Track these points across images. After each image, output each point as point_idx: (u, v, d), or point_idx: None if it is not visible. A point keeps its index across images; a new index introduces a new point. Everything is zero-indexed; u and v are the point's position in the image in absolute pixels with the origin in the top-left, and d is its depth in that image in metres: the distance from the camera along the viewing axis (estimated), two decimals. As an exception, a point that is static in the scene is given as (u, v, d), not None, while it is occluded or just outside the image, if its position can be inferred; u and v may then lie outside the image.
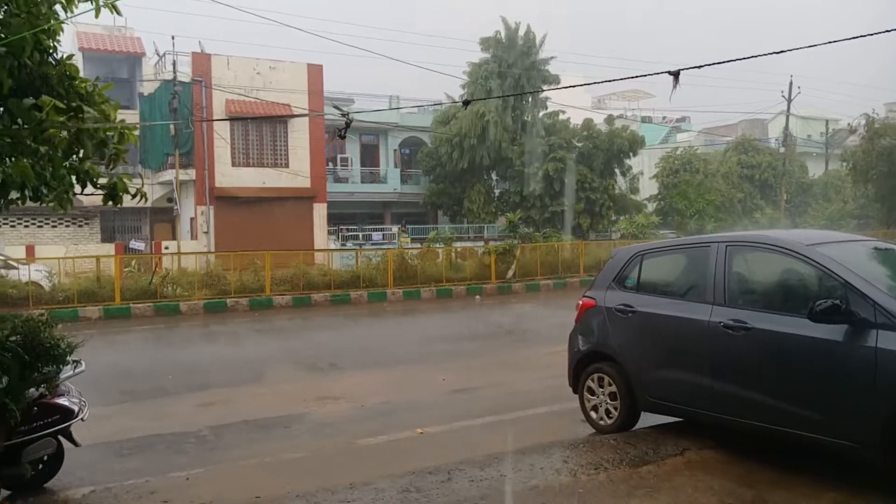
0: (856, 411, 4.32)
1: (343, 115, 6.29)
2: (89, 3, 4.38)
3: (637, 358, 5.84)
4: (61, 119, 4.33)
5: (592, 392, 6.24)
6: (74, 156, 4.86)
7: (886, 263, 5.33)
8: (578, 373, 6.39)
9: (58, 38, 4.73)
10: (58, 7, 4.54)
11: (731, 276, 5.27)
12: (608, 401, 6.09)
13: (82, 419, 5.31)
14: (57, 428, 5.14)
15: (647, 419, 6.10)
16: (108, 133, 4.76)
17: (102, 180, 5.05)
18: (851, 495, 4.36)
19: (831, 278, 4.62)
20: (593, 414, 6.23)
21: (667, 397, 5.60)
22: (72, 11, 4.47)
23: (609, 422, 6.06)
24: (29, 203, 5.01)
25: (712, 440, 5.44)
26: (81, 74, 4.86)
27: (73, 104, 4.58)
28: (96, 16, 4.46)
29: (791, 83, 36.17)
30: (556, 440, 5.85)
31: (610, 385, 6.06)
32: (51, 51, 4.62)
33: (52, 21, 4.48)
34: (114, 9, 4.47)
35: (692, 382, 5.32)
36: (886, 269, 5.21)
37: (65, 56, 4.71)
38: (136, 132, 5.01)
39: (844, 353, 4.39)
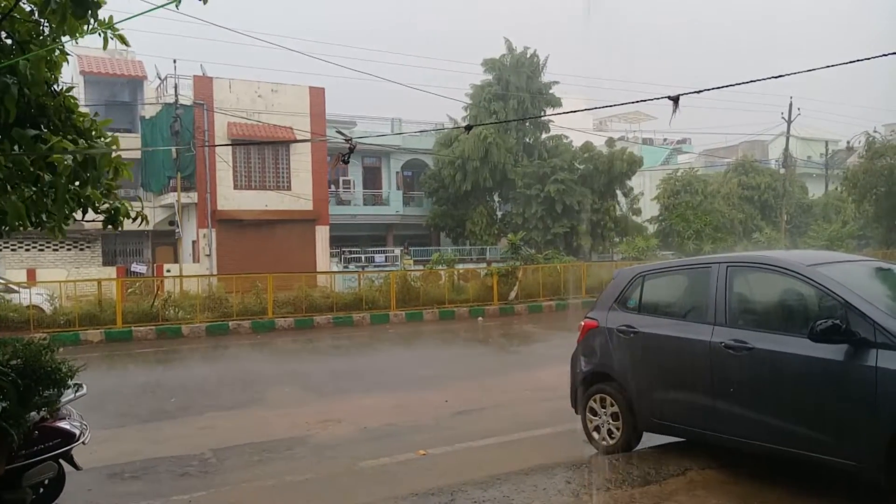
0: (857, 431, 4.32)
1: (346, 141, 6.34)
2: (96, 35, 4.40)
3: (639, 378, 5.85)
4: (69, 147, 4.36)
5: (594, 413, 6.24)
6: (77, 182, 4.88)
7: (886, 283, 5.35)
8: (581, 393, 6.39)
9: (59, 70, 4.73)
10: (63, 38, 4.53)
11: (732, 297, 5.29)
12: (610, 421, 6.08)
13: (84, 442, 5.30)
14: (58, 451, 5.12)
15: (650, 439, 6.08)
16: (104, 169, 4.77)
17: (103, 206, 5.07)
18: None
19: (831, 298, 4.63)
20: (595, 434, 6.22)
21: (669, 417, 5.60)
22: (79, 38, 4.48)
23: (611, 442, 6.05)
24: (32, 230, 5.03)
25: (714, 460, 5.43)
26: (83, 98, 4.90)
27: (69, 137, 4.58)
28: (104, 47, 4.49)
29: (791, 105, 36.39)
30: (558, 461, 5.83)
31: (612, 405, 6.06)
32: (51, 81, 4.64)
33: (55, 53, 4.49)
34: (121, 39, 4.50)
35: (694, 402, 5.32)
36: (886, 289, 5.24)
37: (64, 88, 4.71)
38: (136, 148, 5.01)
39: (845, 372, 4.39)
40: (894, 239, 30.59)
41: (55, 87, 4.67)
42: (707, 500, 4.71)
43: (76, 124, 4.64)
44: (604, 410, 6.15)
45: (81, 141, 4.57)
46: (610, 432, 6.09)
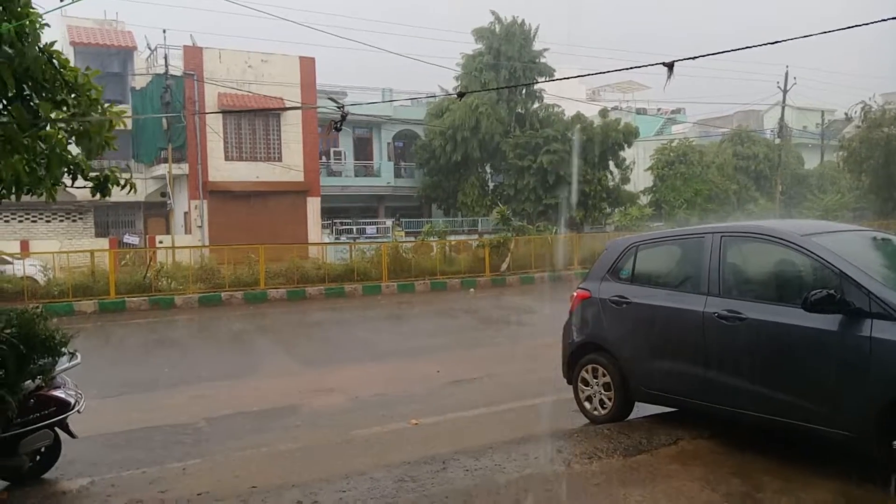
0: (849, 401, 4.33)
1: (338, 107, 6.27)
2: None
3: (631, 348, 5.86)
4: (64, 116, 4.29)
5: (586, 383, 6.26)
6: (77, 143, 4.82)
7: (881, 253, 5.34)
8: (572, 364, 6.41)
9: (40, 28, 4.54)
10: None
11: (725, 267, 5.27)
12: (602, 391, 6.11)
13: (79, 411, 5.32)
14: (53, 420, 5.15)
15: (642, 409, 6.13)
16: (101, 137, 4.70)
17: (93, 173, 5.01)
18: (847, 485, 4.39)
19: (827, 268, 4.61)
20: (587, 404, 6.26)
21: (661, 387, 5.62)
22: None
23: (603, 412, 6.09)
24: (22, 197, 4.98)
25: (706, 430, 5.47)
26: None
27: (59, 97, 4.49)
28: None
29: (787, 74, 36.17)
30: (550, 430, 5.88)
31: (604, 376, 6.09)
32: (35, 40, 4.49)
33: (29, 11, 4.34)
34: None
35: (686, 373, 5.34)
36: (882, 259, 5.22)
37: (48, 44, 4.55)
38: (127, 115, 4.94)
39: (838, 342, 4.39)
40: (890, 209, 30.61)
41: (38, 45, 4.53)
42: (698, 469, 4.76)
43: (67, 80, 4.55)
44: (595, 381, 6.18)
45: (73, 96, 4.49)
46: (602, 402, 6.12)
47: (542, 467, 4.90)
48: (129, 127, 26.33)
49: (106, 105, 4.89)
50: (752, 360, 4.91)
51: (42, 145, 4.47)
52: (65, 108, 4.58)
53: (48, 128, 4.50)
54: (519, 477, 4.73)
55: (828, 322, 4.43)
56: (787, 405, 4.64)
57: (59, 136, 4.48)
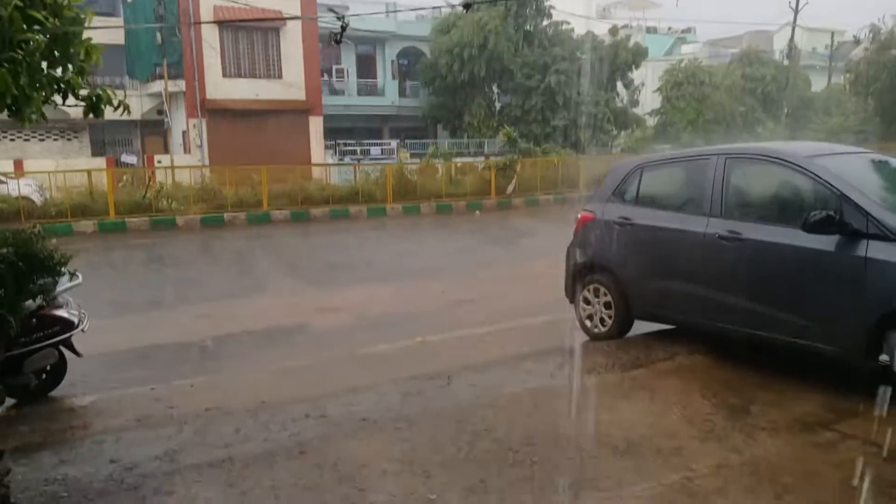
0: (842, 318, 4.41)
1: (338, 18, 6.06)
2: None
3: (633, 268, 5.89)
4: (37, 23, 4.10)
5: (588, 302, 6.33)
6: (50, 63, 4.63)
7: (881, 175, 5.31)
8: (575, 284, 6.45)
9: None
10: None
11: (728, 189, 5.24)
12: (603, 310, 6.18)
13: (83, 330, 5.36)
14: (57, 339, 5.19)
15: (640, 328, 6.20)
16: (77, 48, 4.51)
17: (83, 92, 4.85)
18: (837, 398, 4.49)
19: (827, 190, 4.60)
20: (588, 323, 6.34)
21: (660, 305, 5.69)
22: None
23: (603, 330, 6.18)
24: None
25: (702, 346, 5.55)
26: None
27: (41, 14, 4.29)
28: None
29: (799, -8, 34.83)
30: (552, 347, 5.96)
31: (605, 295, 6.14)
32: None
33: None
34: None
35: (686, 292, 5.38)
36: (881, 181, 5.21)
37: None
38: (118, 26, 4.69)
39: (835, 262, 4.43)
40: (893, 132, 30.19)
41: None
42: (693, 382, 4.85)
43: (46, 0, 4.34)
44: (597, 300, 6.23)
45: (53, 19, 4.29)
46: (602, 320, 6.20)
47: (543, 381, 5.00)
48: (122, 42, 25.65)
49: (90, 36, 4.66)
50: (751, 279, 4.96)
51: (20, 53, 4.25)
52: (39, 28, 4.36)
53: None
54: (522, 390, 4.83)
55: (826, 243, 4.47)
56: (783, 323, 4.71)
57: (38, 41, 4.25)
